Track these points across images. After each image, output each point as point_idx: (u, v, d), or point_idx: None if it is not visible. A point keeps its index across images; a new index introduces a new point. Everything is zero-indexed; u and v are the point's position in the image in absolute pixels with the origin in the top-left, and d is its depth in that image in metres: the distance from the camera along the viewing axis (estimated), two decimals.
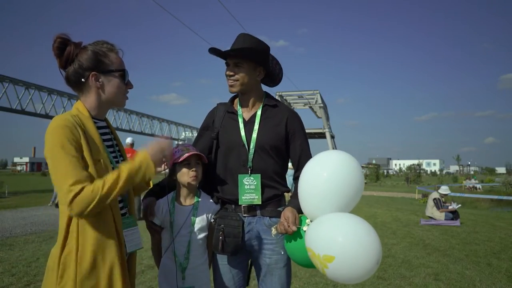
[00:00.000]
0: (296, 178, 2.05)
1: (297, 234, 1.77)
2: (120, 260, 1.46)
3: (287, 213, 1.81)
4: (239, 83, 1.94)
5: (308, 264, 1.80)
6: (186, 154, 1.87)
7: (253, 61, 1.95)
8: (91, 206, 1.32)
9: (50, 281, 1.39)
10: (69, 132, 1.37)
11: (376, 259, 1.54)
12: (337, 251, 1.53)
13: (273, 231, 1.83)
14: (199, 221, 1.93)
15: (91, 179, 1.36)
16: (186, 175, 1.90)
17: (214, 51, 1.94)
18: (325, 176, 1.69)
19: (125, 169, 1.40)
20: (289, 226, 1.74)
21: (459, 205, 9.91)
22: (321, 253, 1.57)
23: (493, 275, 4.80)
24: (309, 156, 2.03)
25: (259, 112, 2.01)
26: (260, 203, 1.93)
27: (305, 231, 1.72)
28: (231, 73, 1.93)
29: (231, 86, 1.96)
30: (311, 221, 1.74)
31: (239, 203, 1.94)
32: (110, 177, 1.37)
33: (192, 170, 1.90)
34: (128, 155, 1.75)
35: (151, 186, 1.91)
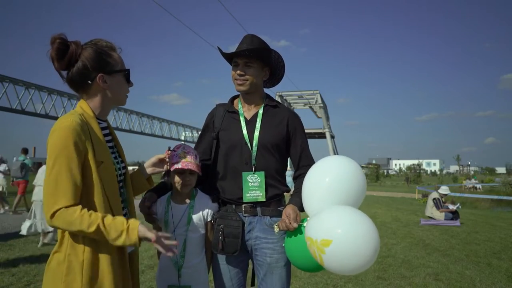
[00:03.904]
0: (295, 178, 2.07)
1: (298, 232, 1.78)
2: (122, 260, 1.46)
3: (289, 210, 1.83)
4: (249, 82, 1.96)
5: (305, 266, 1.80)
6: (180, 166, 1.85)
7: (262, 61, 1.98)
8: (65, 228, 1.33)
9: (53, 283, 1.38)
10: (75, 135, 1.36)
11: (373, 247, 1.54)
12: (335, 235, 1.54)
13: (276, 228, 1.84)
14: (195, 220, 1.95)
15: (78, 199, 1.35)
16: (177, 183, 1.92)
17: (225, 53, 1.97)
18: (330, 178, 1.73)
19: (105, 223, 1.34)
20: (290, 223, 1.75)
21: (458, 205, 9.90)
22: (318, 238, 1.58)
23: (493, 275, 4.80)
24: (309, 156, 2.05)
25: (260, 111, 2.02)
26: (264, 199, 1.94)
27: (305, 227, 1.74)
28: (242, 72, 1.95)
29: (240, 85, 1.96)
30: None
31: (244, 200, 1.94)
32: (86, 218, 1.32)
33: (184, 180, 1.91)
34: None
35: (153, 185, 1.90)
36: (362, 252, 1.53)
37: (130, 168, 1.86)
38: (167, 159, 1.78)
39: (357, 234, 1.55)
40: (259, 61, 1.97)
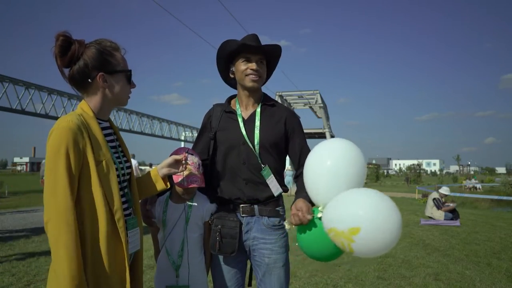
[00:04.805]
0: (297, 177, 2.05)
1: (312, 224, 1.72)
2: (127, 261, 1.46)
3: (299, 203, 1.77)
4: (262, 79, 1.98)
5: (325, 255, 1.76)
6: (185, 184, 1.84)
7: (273, 62, 2.04)
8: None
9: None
10: (73, 135, 1.36)
11: (398, 223, 1.53)
12: (362, 221, 1.53)
13: (287, 225, 1.79)
14: (193, 220, 1.95)
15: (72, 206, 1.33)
16: (179, 191, 1.95)
17: (252, 44, 1.91)
18: (331, 159, 1.70)
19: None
20: (304, 216, 1.70)
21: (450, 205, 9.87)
22: (345, 228, 1.55)
23: (493, 275, 4.80)
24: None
25: (258, 110, 2.01)
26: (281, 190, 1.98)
27: (320, 218, 1.68)
28: (258, 68, 1.95)
29: (255, 81, 1.95)
30: (323, 207, 1.70)
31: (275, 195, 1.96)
32: (64, 248, 1.28)
33: (187, 191, 1.94)
34: None
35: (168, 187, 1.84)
36: (390, 231, 1.52)
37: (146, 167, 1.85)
38: (183, 162, 1.77)
39: (383, 215, 1.54)
40: (265, 60, 1.99)
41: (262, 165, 1.94)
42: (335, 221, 1.61)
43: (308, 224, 1.73)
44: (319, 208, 1.73)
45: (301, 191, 1.90)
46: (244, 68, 1.94)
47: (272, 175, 1.95)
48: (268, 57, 2.01)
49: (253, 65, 1.93)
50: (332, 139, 1.84)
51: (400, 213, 1.57)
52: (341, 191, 1.67)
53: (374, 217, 1.54)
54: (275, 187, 1.95)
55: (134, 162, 15.09)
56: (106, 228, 1.40)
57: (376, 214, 1.54)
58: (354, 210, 1.58)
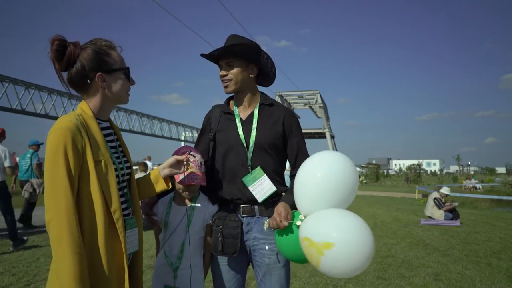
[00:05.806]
0: (292, 176, 2.05)
1: (289, 229, 1.77)
2: (125, 261, 1.46)
3: (280, 208, 1.80)
4: (233, 82, 1.94)
5: (297, 258, 1.79)
6: (186, 181, 1.83)
7: (243, 58, 1.94)
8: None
9: (53, 284, 1.37)
10: (71, 135, 1.36)
11: (370, 251, 1.58)
12: (337, 238, 1.57)
13: (265, 224, 1.82)
14: (195, 222, 1.95)
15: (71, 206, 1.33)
16: (180, 189, 1.94)
17: (204, 55, 1.95)
18: (320, 175, 1.71)
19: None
20: (281, 221, 1.73)
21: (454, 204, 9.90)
22: (320, 241, 1.59)
23: (493, 275, 4.80)
24: (306, 154, 2.03)
25: (256, 111, 2.00)
26: (276, 189, 1.93)
27: (298, 226, 1.73)
28: (225, 73, 1.93)
29: (225, 87, 1.96)
30: (304, 216, 1.74)
31: (260, 202, 1.93)
32: (65, 246, 1.28)
33: (188, 189, 1.93)
34: None
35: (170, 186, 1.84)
36: (361, 257, 1.56)
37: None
38: (185, 162, 1.77)
39: (359, 239, 1.58)
40: (240, 58, 1.93)
41: (250, 167, 1.93)
42: (312, 232, 1.65)
43: (285, 229, 1.77)
44: (300, 216, 1.76)
45: (288, 194, 1.92)
46: (219, 75, 1.97)
47: (265, 175, 1.93)
48: (241, 57, 1.93)
49: (221, 72, 1.95)
50: (326, 151, 1.83)
51: (373, 244, 1.61)
52: (327, 204, 1.70)
53: (350, 238, 1.58)
54: (261, 192, 1.93)
55: (149, 164, 15.06)
56: (104, 228, 1.40)
57: (354, 237, 1.58)
58: (333, 226, 1.62)
